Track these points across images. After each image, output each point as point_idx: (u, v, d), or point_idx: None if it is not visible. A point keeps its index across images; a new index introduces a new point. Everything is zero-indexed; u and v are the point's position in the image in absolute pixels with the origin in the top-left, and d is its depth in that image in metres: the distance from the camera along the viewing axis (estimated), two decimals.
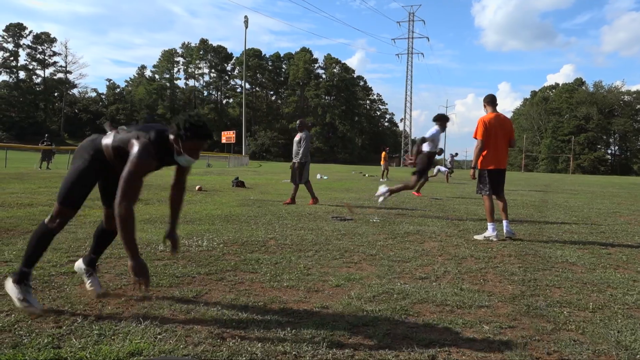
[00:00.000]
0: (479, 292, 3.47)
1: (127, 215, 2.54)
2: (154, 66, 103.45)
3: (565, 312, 3.07)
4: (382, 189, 8.37)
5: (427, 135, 8.00)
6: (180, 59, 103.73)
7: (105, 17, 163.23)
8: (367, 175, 28.93)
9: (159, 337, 2.42)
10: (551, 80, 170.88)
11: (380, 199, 8.36)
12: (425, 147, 7.95)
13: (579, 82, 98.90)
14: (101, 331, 2.46)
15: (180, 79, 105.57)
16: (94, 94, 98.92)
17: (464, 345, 2.49)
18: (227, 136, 56.07)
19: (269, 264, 4.14)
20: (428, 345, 2.46)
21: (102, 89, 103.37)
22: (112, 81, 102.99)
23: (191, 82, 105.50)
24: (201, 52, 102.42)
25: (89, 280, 3.10)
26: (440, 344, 2.48)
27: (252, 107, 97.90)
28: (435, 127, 8.01)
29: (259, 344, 2.37)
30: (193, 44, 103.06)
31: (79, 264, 3.20)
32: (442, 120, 8.09)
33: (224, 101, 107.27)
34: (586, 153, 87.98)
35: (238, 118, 70.85)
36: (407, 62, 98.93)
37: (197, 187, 11.95)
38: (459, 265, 4.39)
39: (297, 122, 10.08)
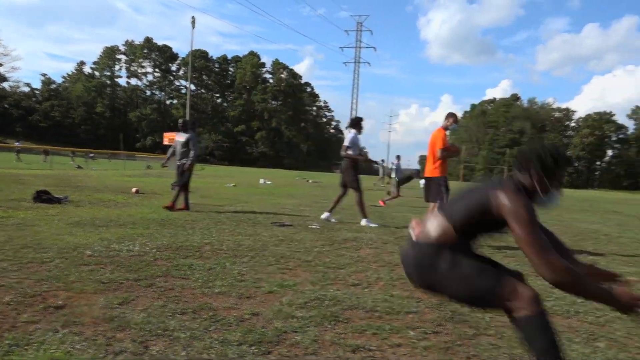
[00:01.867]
0: (408, 299, 3.57)
1: (567, 270, 1.93)
2: (94, 63, 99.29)
3: (486, 318, 3.21)
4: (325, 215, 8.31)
5: (346, 142, 8.13)
6: (123, 57, 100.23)
7: (43, 9, 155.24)
8: (310, 181, 29.07)
9: (77, 346, 2.31)
10: (490, 94, 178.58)
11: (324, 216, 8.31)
12: (350, 152, 8.07)
13: (515, 98, 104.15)
14: (14, 341, 2.32)
15: (121, 77, 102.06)
16: (27, 89, 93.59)
17: (389, 350, 2.55)
18: (170, 137, 54.45)
19: (202, 269, 4.07)
20: (354, 351, 2.50)
21: (37, 84, 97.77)
22: (47, 76, 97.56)
23: (133, 81, 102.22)
24: (145, 51, 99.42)
25: None
26: (366, 349, 2.53)
27: (196, 109, 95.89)
28: (352, 132, 8.21)
29: (184, 352, 2.33)
30: (137, 42, 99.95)
31: None
32: (357, 123, 8.40)
33: (168, 102, 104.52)
34: None
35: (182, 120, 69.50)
36: (354, 71, 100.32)
37: (133, 190, 11.57)
38: (391, 271, 4.49)
39: (181, 121, 8.99)
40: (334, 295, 3.50)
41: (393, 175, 18.98)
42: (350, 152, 8.06)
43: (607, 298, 1.93)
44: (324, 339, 2.65)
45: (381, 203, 12.99)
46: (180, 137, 8.80)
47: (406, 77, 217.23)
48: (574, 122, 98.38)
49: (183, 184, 8.54)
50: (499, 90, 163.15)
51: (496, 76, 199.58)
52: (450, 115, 6.90)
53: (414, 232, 2.27)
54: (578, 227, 9.90)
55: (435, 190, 6.68)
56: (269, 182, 22.53)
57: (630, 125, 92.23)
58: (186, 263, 4.26)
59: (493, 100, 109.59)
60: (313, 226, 7.32)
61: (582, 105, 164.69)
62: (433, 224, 2.17)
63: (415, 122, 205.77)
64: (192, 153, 8.61)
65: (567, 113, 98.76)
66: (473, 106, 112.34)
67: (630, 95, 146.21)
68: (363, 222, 7.94)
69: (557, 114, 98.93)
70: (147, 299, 3.16)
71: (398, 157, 19.37)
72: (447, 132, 6.86)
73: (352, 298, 3.47)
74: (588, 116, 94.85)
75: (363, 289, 3.78)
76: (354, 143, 8.10)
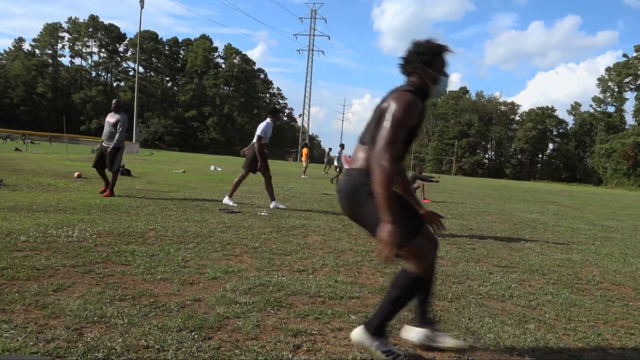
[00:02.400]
0: (352, 284, 3.63)
1: (390, 172, 2.02)
2: (34, 40, 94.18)
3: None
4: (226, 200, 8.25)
5: (258, 132, 8.22)
6: (66, 35, 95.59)
7: None
8: None
9: (4, 334, 2.22)
10: None
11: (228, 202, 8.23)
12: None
13: (464, 91, 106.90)
14: None
15: (64, 56, 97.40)
16: None
17: (330, 334, 2.59)
18: None
19: (145, 256, 3.98)
20: (295, 335, 2.52)
21: None
22: None
23: (77, 61, 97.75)
24: (90, 30, 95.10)
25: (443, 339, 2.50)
26: (307, 334, 2.56)
27: (145, 92, 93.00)
28: (267, 121, 8.39)
29: (120, 339, 2.27)
30: (81, 20, 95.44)
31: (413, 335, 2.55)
32: (274, 112, 8.71)
33: (115, 84, 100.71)
34: (467, 157, 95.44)
35: (129, 103, 66.89)
36: (308, 59, 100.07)
37: (75, 174, 11.12)
38: (337, 258, 4.55)
39: (114, 101, 8.52)
40: (278, 281, 3.51)
41: (336, 163, 20.02)
42: (263, 141, 8.19)
43: (384, 219, 2.03)
44: (266, 324, 2.66)
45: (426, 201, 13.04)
46: (111, 118, 8.28)
47: (359, 67, 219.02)
48: (519, 116, 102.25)
49: (115, 169, 8.16)
50: (449, 84, 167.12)
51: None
52: None
53: (346, 164, 2.35)
54: (518, 216, 10.35)
55: None
56: (219, 169, 22.20)
57: (569, 120, 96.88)
58: (128, 249, 4.15)
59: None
60: (262, 213, 7.29)
61: (527, 99, 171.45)
62: (359, 154, 2.28)
63: (367, 112, 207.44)
64: (117, 136, 8.14)
65: (513, 107, 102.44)
66: None
67: (571, 91, 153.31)
68: (272, 204, 8.20)
69: (503, 108, 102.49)
70: (84, 286, 3.06)
71: (342, 146, 20.68)
72: None
73: (297, 284, 3.50)
74: (532, 110, 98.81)
75: (308, 275, 3.81)
76: (266, 132, 8.23)
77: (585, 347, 2.71)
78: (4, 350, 2.05)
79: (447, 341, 2.48)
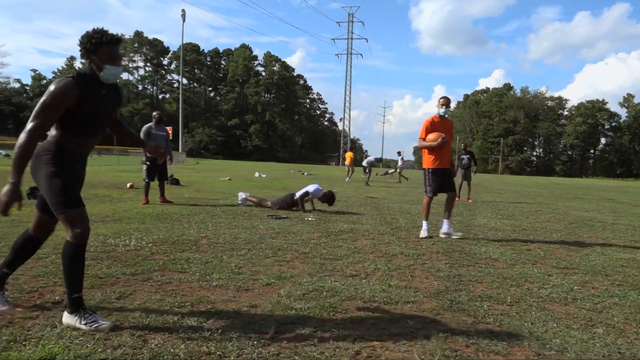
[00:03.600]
0: (406, 288, 3.57)
1: (31, 141, 2.41)
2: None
3: (485, 306, 3.22)
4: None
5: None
6: None
7: (30, 4, 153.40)
8: (305, 174, 29.04)
9: (75, 341, 2.30)
10: (483, 84, 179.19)
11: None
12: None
13: (508, 87, 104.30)
14: (11, 337, 2.31)
15: None
16: (17, 85, 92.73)
17: (388, 340, 2.55)
18: None
19: (199, 263, 4.06)
20: (354, 341, 2.50)
21: (27, 80, 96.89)
22: (37, 72, 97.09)
23: (125, 76, 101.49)
24: (135, 45, 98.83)
25: None
26: (365, 340, 2.53)
27: (189, 103, 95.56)
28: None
29: (183, 345, 2.32)
30: (127, 36, 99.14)
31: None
32: None
33: (160, 96, 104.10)
34: (514, 155, 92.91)
35: (175, 114, 68.87)
36: (347, 62, 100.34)
37: (128, 185, 11.52)
38: (389, 262, 4.50)
39: (159, 114, 8.97)
40: (332, 287, 3.50)
41: (364, 164, 21.13)
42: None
43: (9, 179, 2.37)
44: (323, 330, 2.65)
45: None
46: (162, 131, 8.77)
47: (398, 68, 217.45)
48: (567, 111, 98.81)
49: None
50: (492, 80, 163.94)
51: (488, 66, 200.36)
52: (439, 99, 6.31)
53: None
54: (573, 215, 9.95)
55: (423, 181, 6.46)
56: (263, 175, 22.51)
57: (622, 113, 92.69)
58: (183, 257, 4.25)
59: (486, 90, 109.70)
60: (309, 218, 7.32)
61: (575, 93, 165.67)
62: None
63: (408, 113, 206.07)
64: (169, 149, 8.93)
65: (560, 102, 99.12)
66: (466, 96, 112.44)
67: (622, 82, 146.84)
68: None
69: (549, 103, 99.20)
70: (145, 293, 3.14)
71: (399, 153, 22.69)
72: (439, 118, 6.19)
73: (350, 289, 3.47)
74: (581, 104, 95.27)
75: (361, 280, 3.78)
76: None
77: None
78: (76, 357, 2.13)
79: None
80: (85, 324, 2.45)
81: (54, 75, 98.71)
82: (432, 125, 6.16)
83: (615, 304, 3.43)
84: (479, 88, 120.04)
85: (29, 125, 2.40)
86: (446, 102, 6.23)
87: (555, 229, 7.44)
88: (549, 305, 3.33)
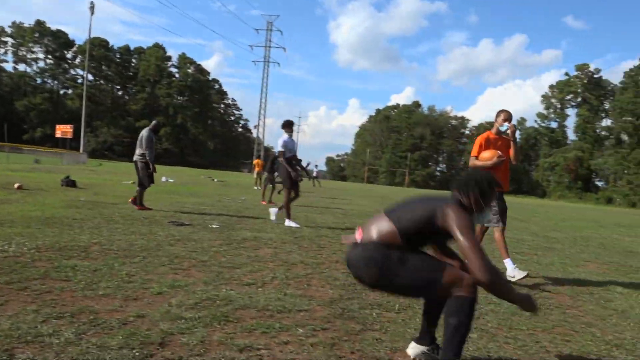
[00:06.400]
0: (301, 297, 3.62)
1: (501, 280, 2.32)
2: None
3: (374, 314, 3.34)
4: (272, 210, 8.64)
5: (278, 147, 8.36)
6: (9, 40, 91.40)
7: None
8: (215, 180, 28.46)
9: None
10: (394, 100, 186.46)
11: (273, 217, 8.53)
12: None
13: (417, 105, 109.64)
14: None
15: (7, 61, 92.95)
16: None
17: (276, 348, 2.57)
18: (63, 130, 50.71)
19: (87, 271, 3.83)
20: (241, 350, 2.49)
21: None
22: None
23: (22, 67, 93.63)
24: (36, 35, 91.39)
25: None
26: (254, 349, 2.53)
27: (94, 101, 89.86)
28: (283, 135, 8.41)
29: (55, 359, 2.17)
30: (26, 24, 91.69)
31: (414, 349, 2.65)
32: (287, 126, 8.56)
33: (62, 92, 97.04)
34: (420, 169, 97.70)
35: (77, 111, 64.45)
36: (264, 70, 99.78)
37: (16, 185, 10.61)
38: (287, 270, 4.53)
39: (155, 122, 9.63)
40: (226, 295, 3.46)
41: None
42: (287, 155, 8.27)
43: (517, 299, 2.36)
44: (211, 339, 2.61)
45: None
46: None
47: (315, 80, 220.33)
48: (469, 131, 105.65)
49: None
50: (403, 97, 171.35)
51: (400, 83, 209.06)
52: (499, 113, 5.38)
53: (357, 235, 2.49)
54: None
55: None
56: (171, 180, 21.72)
57: (517, 135, 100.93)
58: (69, 264, 3.98)
59: (397, 106, 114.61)
60: (213, 225, 7.18)
61: (477, 114, 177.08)
62: (379, 226, 2.44)
63: (323, 124, 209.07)
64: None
65: (463, 121, 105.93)
66: (378, 111, 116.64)
67: (518, 107, 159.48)
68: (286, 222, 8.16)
69: (453, 122, 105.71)
70: (19, 303, 2.91)
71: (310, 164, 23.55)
72: (497, 134, 5.39)
73: (245, 297, 3.45)
74: (480, 125, 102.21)
75: (257, 288, 3.77)
76: (285, 146, 8.27)
77: (524, 355, 2.80)
78: None
79: None
80: None
81: None
82: (487, 143, 5.30)
83: (492, 310, 3.71)
84: (390, 104, 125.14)
85: (490, 267, 2.27)
86: (508, 116, 5.29)
87: None
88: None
